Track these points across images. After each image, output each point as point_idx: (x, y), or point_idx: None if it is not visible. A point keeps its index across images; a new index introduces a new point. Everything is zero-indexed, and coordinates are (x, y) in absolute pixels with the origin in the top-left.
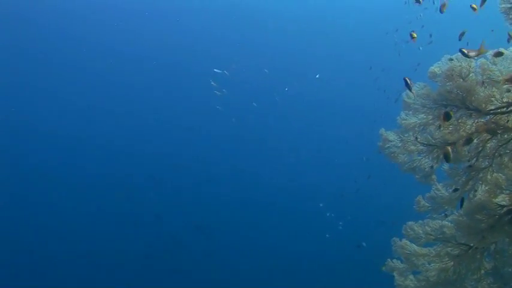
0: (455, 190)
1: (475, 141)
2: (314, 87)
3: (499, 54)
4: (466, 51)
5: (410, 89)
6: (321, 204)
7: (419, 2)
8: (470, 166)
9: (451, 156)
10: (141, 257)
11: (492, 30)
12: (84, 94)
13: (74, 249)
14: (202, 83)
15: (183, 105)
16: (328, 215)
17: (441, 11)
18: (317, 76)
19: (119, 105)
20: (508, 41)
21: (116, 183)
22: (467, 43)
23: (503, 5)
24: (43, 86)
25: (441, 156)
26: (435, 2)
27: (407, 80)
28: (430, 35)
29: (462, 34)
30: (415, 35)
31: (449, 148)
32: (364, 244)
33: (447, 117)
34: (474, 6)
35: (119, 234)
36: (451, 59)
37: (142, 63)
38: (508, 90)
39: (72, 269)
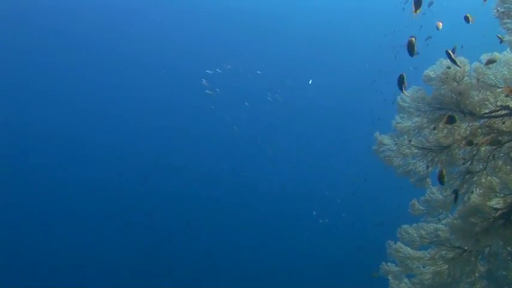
0: (455, 192)
1: None
2: (310, 89)
3: (491, 61)
4: (453, 55)
5: (403, 87)
6: (314, 212)
7: (418, 10)
8: (470, 172)
9: (445, 177)
10: (134, 256)
11: (484, 36)
12: (77, 95)
13: (65, 250)
14: (196, 84)
15: (176, 106)
16: (320, 221)
17: (437, 29)
18: (310, 82)
19: (112, 106)
20: (501, 43)
21: (109, 184)
22: (462, 46)
23: (496, 10)
24: (36, 87)
25: (436, 159)
26: (430, 6)
27: (403, 76)
28: (429, 37)
29: (454, 49)
30: (414, 40)
31: (443, 170)
32: (360, 247)
33: (451, 120)
34: (469, 17)
35: (112, 234)
36: (449, 67)
37: (136, 64)
38: (506, 96)
39: (65, 269)
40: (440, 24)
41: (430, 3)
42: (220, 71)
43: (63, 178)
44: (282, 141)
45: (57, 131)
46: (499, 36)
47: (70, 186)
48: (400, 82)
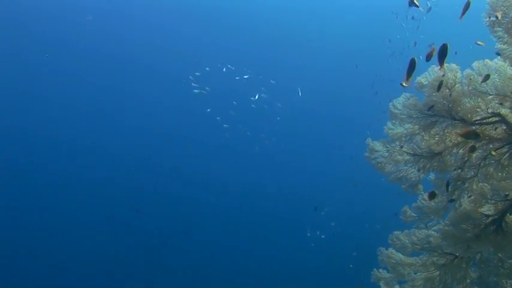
0: (451, 201)
1: (460, 151)
2: (307, 94)
3: (486, 78)
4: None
5: (410, 74)
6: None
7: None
8: (461, 179)
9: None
10: (133, 257)
11: (475, 42)
12: (69, 97)
13: (54, 249)
14: (185, 83)
15: (167, 107)
16: (308, 235)
17: (428, 59)
18: (299, 94)
19: (106, 107)
20: (496, 54)
21: (103, 185)
22: (456, 52)
23: (487, 19)
24: (31, 88)
25: (427, 166)
26: (428, 12)
27: (415, 61)
28: (430, 45)
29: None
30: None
31: (435, 191)
32: (355, 253)
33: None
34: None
35: (109, 235)
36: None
37: (130, 66)
38: (500, 103)
39: (52, 269)
40: (435, 49)
41: (429, 9)
42: (208, 69)
43: (59, 178)
44: (277, 144)
45: (52, 131)
46: (479, 42)
47: (67, 187)
48: (411, 67)
